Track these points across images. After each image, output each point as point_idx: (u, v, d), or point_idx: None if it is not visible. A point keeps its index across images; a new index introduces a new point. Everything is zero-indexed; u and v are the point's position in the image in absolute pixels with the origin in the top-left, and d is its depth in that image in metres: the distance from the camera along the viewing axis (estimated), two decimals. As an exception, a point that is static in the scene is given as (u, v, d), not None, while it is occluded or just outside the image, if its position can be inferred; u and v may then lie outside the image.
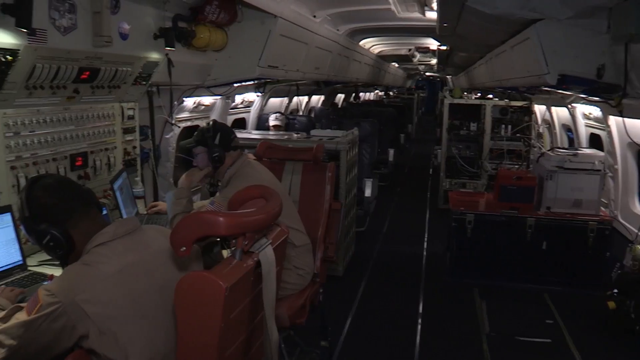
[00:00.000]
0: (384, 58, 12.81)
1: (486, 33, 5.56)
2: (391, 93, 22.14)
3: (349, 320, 4.73)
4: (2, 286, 2.46)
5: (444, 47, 9.83)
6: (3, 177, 2.91)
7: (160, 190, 4.52)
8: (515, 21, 4.48)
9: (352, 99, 15.43)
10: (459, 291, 5.41)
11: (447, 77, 21.81)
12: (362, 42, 9.42)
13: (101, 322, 1.79)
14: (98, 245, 1.93)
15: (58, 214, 1.96)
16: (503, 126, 8.00)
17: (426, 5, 5.91)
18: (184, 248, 1.64)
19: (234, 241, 1.74)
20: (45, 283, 2.61)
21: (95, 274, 1.85)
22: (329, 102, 12.43)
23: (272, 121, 7.04)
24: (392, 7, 5.84)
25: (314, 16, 5.82)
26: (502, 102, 8.18)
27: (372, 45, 10.45)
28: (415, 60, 13.71)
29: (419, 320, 4.77)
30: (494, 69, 7.55)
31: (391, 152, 9.49)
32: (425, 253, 6.71)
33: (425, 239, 7.24)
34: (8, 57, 2.63)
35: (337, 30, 7.11)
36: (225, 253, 2.62)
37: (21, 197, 2.00)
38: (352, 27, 7.47)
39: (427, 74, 23.49)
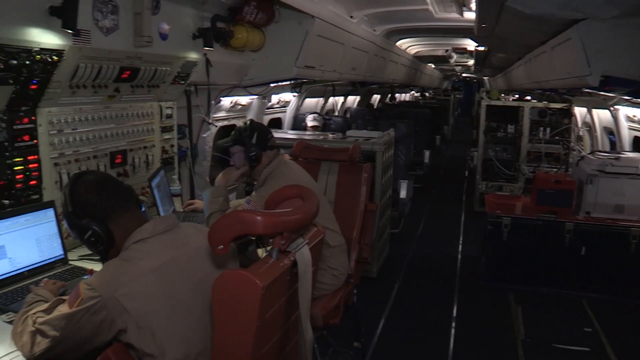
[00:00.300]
0: (420, 59, 12.71)
1: (525, 34, 5.46)
2: (427, 94, 21.97)
3: (382, 321, 4.71)
4: (45, 279, 2.52)
5: (481, 48, 9.69)
6: (47, 174, 2.99)
7: (196, 189, 4.57)
8: (556, 21, 4.38)
9: (387, 99, 15.36)
10: (494, 295, 5.33)
11: (484, 78, 21.51)
12: (398, 43, 9.36)
13: (139, 317, 1.82)
14: (137, 242, 1.96)
15: (99, 210, 2.00)
16: (541, 128, 7.85)
17: (464, 6, 5.83)
18: (222, 246, 1.65)
19: (270, 240, 1.75)
20: (85, 277, 2.68)
21: (134, 269, 1.89)
22: (365, 102, 12.39)
23: (310, 122, 7.05)
24: (430, 8, 5.78)
25: (351, 16, 5.80)
26: (540, 104, 8.02)
27: (409, 46, 10.38)
28: (452, 61, 13.56)
29: (453, 324, 4.72)
30: (533, 70, 7.41)
31: (427, 153, 9.41)
32: (460, 256, 6.63)
33: (460, 242, 7.16)
34: (54, 57, 2.70)
35: (374, 30, 7.07)
36: (260, 252, 2.63)
37: (65, 192, 2.04)
38: (389, 28, 7.43)
39: (464, 75, 23.21)
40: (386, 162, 5.62)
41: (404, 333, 4.55)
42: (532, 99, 9.11)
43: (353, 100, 11.30)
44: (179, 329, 1.88)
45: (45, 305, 1.98)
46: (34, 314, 1.95)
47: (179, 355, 1.86)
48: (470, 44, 9.95)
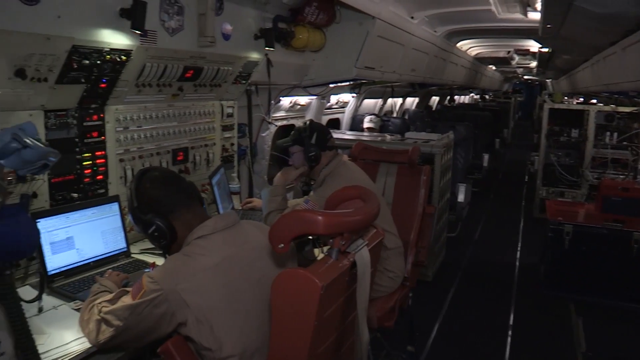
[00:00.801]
0: (480, 60, 12.46)
1: (594, 34, 5.27)
2: (487, 96, 21.52)
3: (436, 326, 4.65)
4: (109, 270, 2.61)
5: (545, 50, 9.41)
6: (113, 169, 3.10)
7: (255, 187, 4.62)
8: (629, 20, 4.20)
9: (446, 101, 15.14)
10: (554, 305, 5.17)
11: (547, 80, 20.89)
12: (459, 44, 9.21)
13: (199, 311, 1.85)
14: (199, 238, 2.00)
15: (163, 205, 2.05)
16: (608, 133, 7.54)
17: (529, 6, 5.67)
18: (282, 245, 1.66)
19: (330, 241, 1.75)
20: (147, 270, 2.75)
21: (195, 265, 1.92)
22: (424, 104, 12.26)
23: (367, 123, 7.03)
24: (493, 8, 5.66)
25: (412, 17, 5.75)
26: (607, 108, 7.71)
27: (470, 47, 10.19)
28: (513, 62, 13.23)
29: (509, 332, 4.61)
30: (601, 72, 7.13)
31: (486, 157, 9.22)
32: (518, 263, 6.47)
33: (519, 249, 6.99)
34: (122, 57, 2.80)
35: (435, 31, 6.99)
36: (317, 252, 2.63)
37: (131, 187, 2.10)
38: (450, 29, 7.32)
39: (525, 77, 22.62)
40: (445, 165, 5.54)
41: (458, 339, 4.47)
42: (598, 102, 8.77)
43: (412, 101, 11.20)
44: (237, 325, 1.90)
45: (110, 296, 2.05)
46: (100, 303, 2.03)
47: (236, 350, 1.88)
48: (534, 45, 9.67)
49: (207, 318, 1.85)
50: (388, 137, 5.92)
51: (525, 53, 11.49)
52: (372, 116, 7.15)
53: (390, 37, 5.27)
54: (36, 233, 1.63)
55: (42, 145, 1.47)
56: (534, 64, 13.45)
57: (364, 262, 1.85)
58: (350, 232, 1.78)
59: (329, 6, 4.35)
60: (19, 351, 1.72)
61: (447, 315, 4.89)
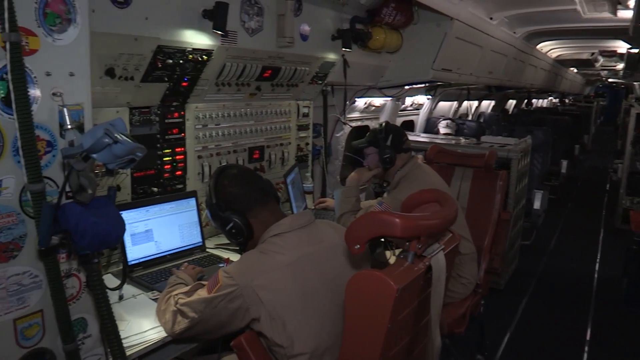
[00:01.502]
0: (561, 62, 11.99)
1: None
2: (567, 100, 20.71)
3: (507, 335, 4.51)
4: (185, 263, 2.69)
5: (635, 50, 8.93)
6: (191, 165, 3.19)
7: (328, 187, 4.64)
8: None
9: (523, 105, 14.69)
10: (637, 323, 4.90)
11: (634, 83, 19.85)
12: (539, 46, 8.90)
13: (272, 308, 1.87)
14: (274, 236, 2.02)
15: (241, 203, 2.09)
16: (699, 141, 7.11)
17: (619, 4, 5.39)
18: (358, 246, 1.66)
19: (407, 244, 1.73)
20: (221, 265, 2.81)
21: (270, 262, 1.94)
22: (500, 107, 11.95)
23: (442, 128, 6.94)
24: (578, 7, 5.42)
25: (491, 18, 5.60)
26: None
27: (550, 48, 9.83)
28: (597, 65, 12.64)
29: (586, 349, 4.41)
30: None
31: (564, 163, 8.88)
32: (596, 276, 6.17)
33: (598, 261, 6.67)
34: (204, 56, 2.88)
35: (514, 33, 6.79)
36: (388, 254, 2.61)
37: (210, 184, 2.15)
38: (530, 30, 7.09)
39: (610, 80, 21.59)
40: (522, 171, 5.37)
41: (530, 351, 4.32)
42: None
43: (487, 104, 10.94)
44: (309, 323, 1.91)
45: (186, 288, 2.11)
46: (176, 295, 2.09)
47: (307, 348, 1.89)
48: (622, 46, 9.20)
49: (279, 315, 1.87)
50: (463, 140, 5.81)
51: (611, 54, 10.95)
52: (448, 121, 7.04)
53: (468, 38, 5.16)
54: (122, 224, 1.70)
55: (130, 141, 1.53)
56: (620, 65, 12.79)
57: (440, 266, 1.82)
58: (427, 236, 1.76)
59: (407, 7, 4.31)
60: (103, 335, 1.81)
61: (519, 326, 4.74)
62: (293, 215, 2.11)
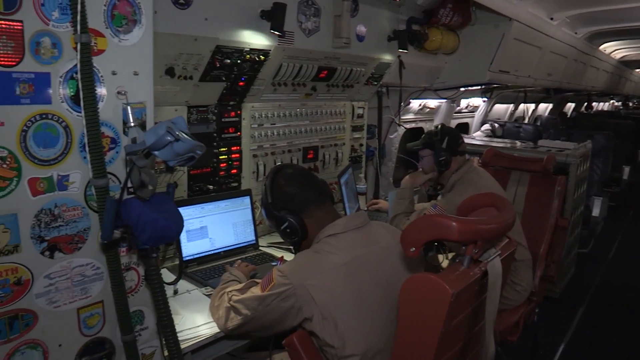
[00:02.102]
0: (626, 64, 11.54)
1: None
2: (630, 104, 19.92)
3: (561, 346, 4.37)
4: (239, 260, 2.72)
5: None
6: (246, 164, 3.23)
7: (381, 189, 4.62)
8: None
9: (583, 108, 14.22)
10: None
11: None
12: (602, 47, 8.60)
13: (325, 308, 1.87)
14: (329, 236, 2.02)
15: (296, 203, 2.10)
16: None
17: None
18: (414, 248, 1.64)
19: (463, 248, 1.70)
20: (274, 264, 2.84)
21: (324, 262, 1.95)
22: (558, 111, 11.61)
23: (482, 132, 6.84)
24: (647, 5, 5.20)
25: (551, 18, 5.45)
26: None
27: (614, 49, 9.47)
28: (667, 66, 12.14)
29: (645, 365, 4.24)
30: None
31: (626, 169, 8.56)
32: (661, 290, 5.92)
33: (662, 273, 6.40)
34: (261, 57, 2.92)
35: (575, 33, 6.58)
36: (441, 258, 2.58)
37: (265, 184, 2.17)
38: (593, 30, 6.85)
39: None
40: (581, 176, 5.20)
41: (586, 362, 4.18)
42: None
43: (545, 107, 10.65)
44: (361, 325, 1.90)
45: (239, 285, 2.13)
46: (230, 291, 2.12)
47: (359, 350, 1.88)
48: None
49: (332, 315, 1.87)
50: (518, 143, 5.68)
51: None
52: (487, 124, 6.92)
53: (527, 39, 5.04)
54: (181, 220, 1.74)
55: (191, 139, 1.56)
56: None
57: (496, 272, 1.78)
58: (484, 241, 1.72)
59: (464, 8, 4.24)
60: (159, 327, 1.85)
61: (575, 336, 4.59)
62: (348, 216, 2.11)
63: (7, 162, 1.45)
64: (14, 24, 1.40)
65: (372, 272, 1.98)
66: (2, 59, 1.39)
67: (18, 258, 1.51)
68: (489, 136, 6.73)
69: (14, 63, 1.42)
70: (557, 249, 3.71)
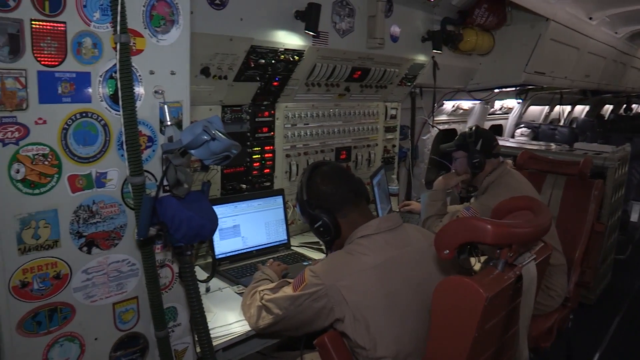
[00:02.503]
0: (669, 65, 11.22)
1: None
2: (674, 105, 19.36)
3: (597, 355, 4.27)
4: (271, 259, 2.74)
5: None
6: (279, 164, 3.25)
7: (413, 190, 4.60)
8: None
9: (622, 110, 13.90)
10: None
11: None
12: (644, 47, 8.40)
13: (356, 309, 1.86)
14: (362, 237, 2.02)
15: (332, 202, 2.09)
16: None
17: None
18: (448, 251, 1.63)
19: (497, 251, 1.68)
20: (306, 263, 2.85)
21: (356, 263, 1.94)
22: (595, 113, 11.36)
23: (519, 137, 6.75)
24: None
25: (590, 18, 5.34)
26: None
27: (657, 49, 9.23)
28: None
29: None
30: None
31: (666, 173, 8.33)
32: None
33: None
34: (295, 57, 2.93)
35: (616, 33, 6.43)
36: (473, 261, 2.55)
37: (302, 181, 2.15)
38: (636, 29, 6.68)
39: None
40: (619, 180, 5.08)
41: (622, 373, 4.08)
42: None
43: (581, 110, 10.44)
44: (393, 327, 1.89)
45: (272, 285, 2.14)
46: (262, 290, 2.13)
47: (390, 352, 1.87)
48: None
49: (363, 317, 1.86)
50: (554, 146, 5.58)
51: None
52: (524, 129, 6.82)
53: (564, 40, 4.95)
54: (215, 218, 1.75)
55: (227, 138, 1.57)
56: None
57: (531, 276, 1.76)
58: (519, 244, 1.70)
59: (500, 8, 4.20)
60: (192, 324, 1.87)
61: (611, 345, 4.48)
62: (381, 218, 2.10)
63: (49, 159, 1.48)
64: (58, 25, 1.44)
65: (404, 274, 1.97)
66: (46, 59, 1.43)
67: (57, 253, 1.55)
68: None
69: (56, 63, 1.45)
70: (593, 254, 3.64)
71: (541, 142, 6.20)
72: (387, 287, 1.91)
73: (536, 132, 7.04)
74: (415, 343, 1.91)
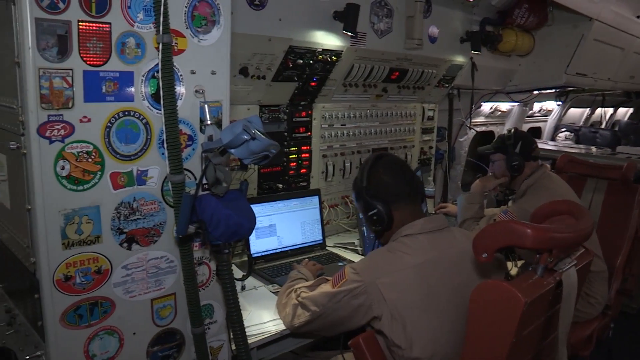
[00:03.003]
0: None
1: None
2: None
3: (638, 366, 4.17)
4: (306, 259, 2.74)
5: None
6: (315, 164, 3.26)
7: (449, 192, 4.55)
8: None
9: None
10: None
11: None
12: (694, 46, 8.11)
13: (394, 308, 1.85)
14: (405, 236, 2.01)
15: (390, 193, 2.07)
16: None
17: None
18: (486, 254, 1.61)
19: (537, 256, 1.65)
20: (341, 264, 2.86)
21: (397, 262, 1.93)
22: (639, 115, 11.06)
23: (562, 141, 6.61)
24: None
25: (638, 17, 5.19)
26: None
27: None
28: None
29: None
30: None
31: None
32: None
33: None
34: (333, 57, 2.94)
35: (663, 32, 6.24)
36: (510, 265, 2.51)
37: (364, 167, 2.13)
38: (685, 28, 6.46)
39: None
40: (665, 185, 4.93)
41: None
42: None
43: (624, 112, 10.17)
44: (430, 328, 1.87)
45: (309, 282, 2.15)
46: (299, 288, 2.13)
47: (425, 354, 1.86)
48: None
49: (401, 315, 1.85)
50: (594, 149, 5.45)
51: None
52: (567, 132, 6.68)
53: (608, 40, 4.82)
54: (253, 217, 1.76)
55: (266, 138, 1.58)
56: None
57: (571, 282, 1.72)
58: (559, 250, 1.67)
59: (541, 8, 4.11)
60: (228, 322, 1.89)
61: (654, 356, 4.36)
62: (426, 218, 2.08)
63: (92, 157, 1.52)
64: (104, 25, 1.47)
65: (444, 276, 1.95)
66: (91, 59, 1.46)
67: (99, 248, 1.58)
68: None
69: (101, 63, 1.48)
70: (636, 261, 3.55)
71: (581, 145, 6.07)
72: (426, 288, 1.90)
73: (578, 135, 6.89)
74: (451, 345, 1.89)
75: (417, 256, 1.95)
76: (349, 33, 2.85)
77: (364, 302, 1.88)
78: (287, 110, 3.04)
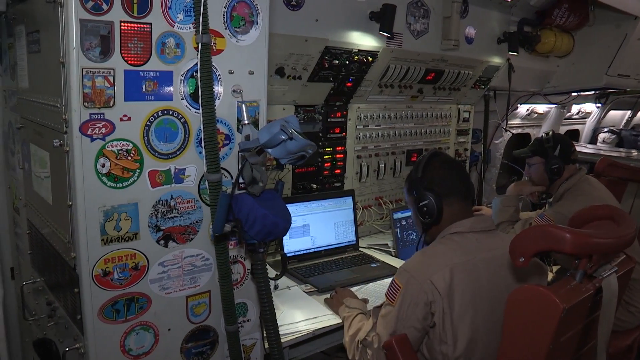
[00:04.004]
0: None
1: None
2: None
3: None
4: (333, 292, 2.50)
5: None
6: (350, 164, 3.26)
7: (483, 195, 4.50)
8: None
9: None
10: None
11: None
12: None
13: (447, 303, 1.83)
14: (454, 233, 1.99)
15: (443, 187, 2.04)
16: None
17: None
18: (523, 258, 1.58)
19: (576, 261, 1.62)
20: (373, 265, 2.85)
21: (445, 259, 1.90)
22: (683, 118, 10.73)
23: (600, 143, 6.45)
24: None
25: (685, 15, 5.03)
26: None
27: None
28: None
29: None
30: None
31: None
32: None
33: None
34: (369, 58, 2.93)
35: None
36: (546, 270, 2.47)
37: (421, 160, 2.11)
38: None
39: None
40: None
41: None
42: None
43: (668, 114, 9.89)
44: (467, 328, 1.84)
45: (369, 322, 2.06)
46: (363, 335, 2.03)
47: (465, 352, 1.84)
48: None
49: (451, 310, 1.83)
50: (635, 153, 5.31)
51: None
52: (607, 134, 6.51)
53: (654, 39, 4.69)
54: (289, 217, 1.77)
55: (303, 138, 1.59)
56: None
57: (612, 290, 1.68)
58: (599, 255, 1.63)
59: (582, 7, 4.02)
60: (262, 320, 1.90)
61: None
62: (476, 218, 2.06)
63: (132, 155, 1.55)
64: (144, 26, 1.50)
65: (488, 277, 1.92)
66: (132, 58, 1.49)
67: (137, 245, 1.61)
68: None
69: (141, 62, 1.51)
70: (680, 269, 3.44)
71: (621, 149, 5.92)
72: (471, 287, 1.87)
73: (620, 136, 6.71)
74: (487, 348, 1.87)
75: (464, 255, 1.92)
76: (385, 34, 2.85)
77: (425, 302, 1.84)
78: (322, 111, 3.04)
